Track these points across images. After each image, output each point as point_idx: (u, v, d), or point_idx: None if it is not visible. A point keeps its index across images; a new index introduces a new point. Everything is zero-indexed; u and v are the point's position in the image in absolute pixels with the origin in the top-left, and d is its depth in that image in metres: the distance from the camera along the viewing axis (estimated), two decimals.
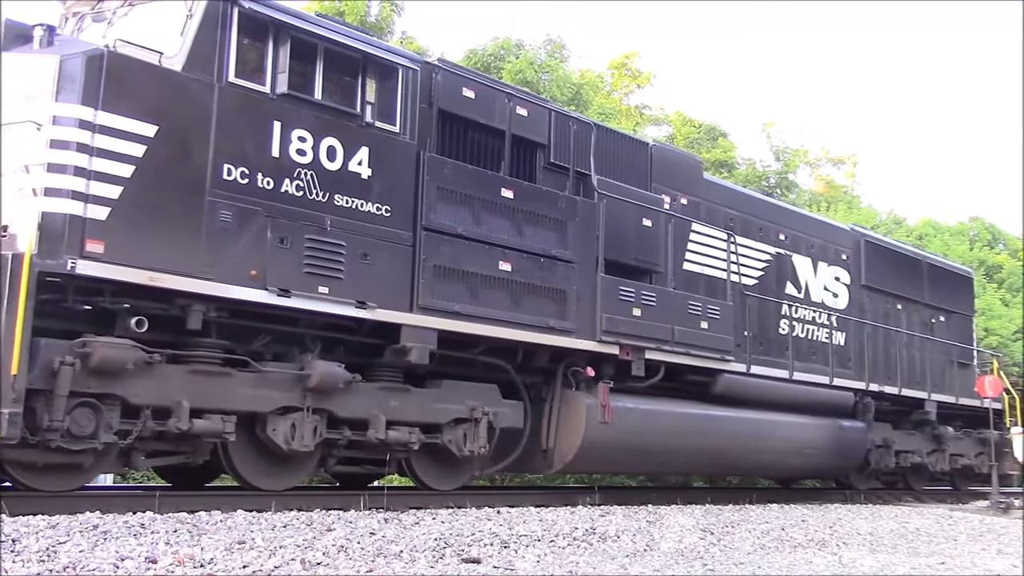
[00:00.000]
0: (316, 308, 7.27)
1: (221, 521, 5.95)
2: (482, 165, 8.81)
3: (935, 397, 14.73)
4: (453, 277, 8.14)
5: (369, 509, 7.32)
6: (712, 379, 10.66)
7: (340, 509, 7.11)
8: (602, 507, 8.81)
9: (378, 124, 7.87)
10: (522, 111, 9.25)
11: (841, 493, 13.27)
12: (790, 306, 12.35)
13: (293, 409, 7.20)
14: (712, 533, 7.82)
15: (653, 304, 9.85)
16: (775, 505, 10.96)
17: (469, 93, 8.79)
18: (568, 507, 8.55)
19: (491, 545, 6.09)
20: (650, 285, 10.07)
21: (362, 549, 5.45)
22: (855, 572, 6.32)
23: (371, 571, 4.99)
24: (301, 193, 7.26)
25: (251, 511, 6.50)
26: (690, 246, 11.08)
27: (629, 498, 10.06)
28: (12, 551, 4.55)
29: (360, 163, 7.67)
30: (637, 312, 9.63)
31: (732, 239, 11.35)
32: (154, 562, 4.60)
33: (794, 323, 12.31)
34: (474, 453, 8.33)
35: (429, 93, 8.47)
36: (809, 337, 12.63)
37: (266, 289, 6.94)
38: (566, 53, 23.45)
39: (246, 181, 6.93)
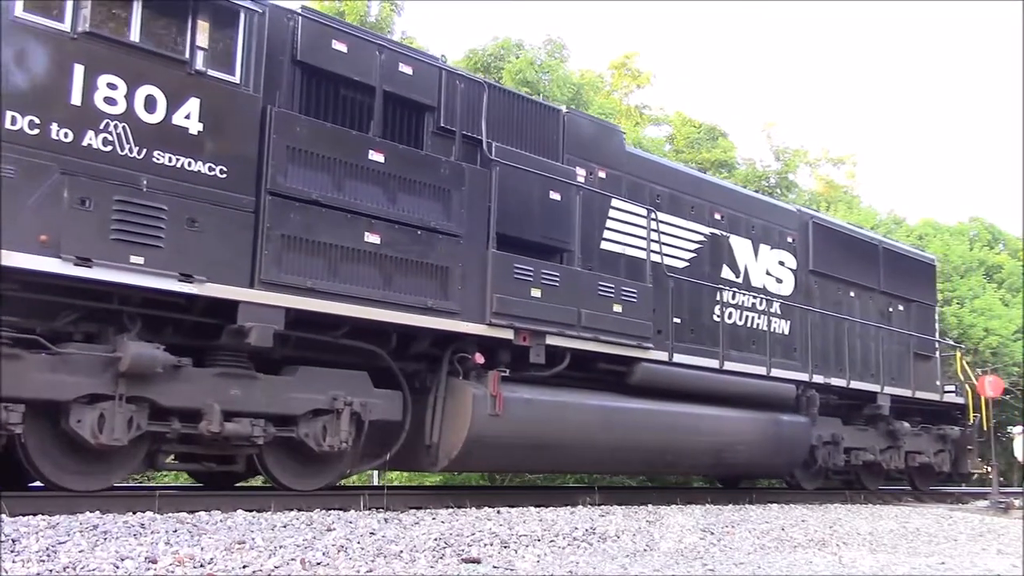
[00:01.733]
0: (127, 281, 6.30)
1: (221, 521, 5.96)
2: (359, 128, 7.93)
3: (889, 390, 13.83)
4: (307, 249, 7.16)
5: (369, 509, 7.32)
6: (629, 368, 9.74)
7: (340, 509, 7.12)
8: (602, 507, 8.81)
9: (212, 73, 6.88)
10: (406, 69, 8.34)
11: (841, 493, 13.25)
12: (726, 291, 11.50)
13: (104, 397, 6.32)
14: (712, 533, 7.82)
15: (556, 284, 8.89)
16: (775, 505, 10.96)
17: (340, 46, 7.93)
18: (568, 507, 8.54)
19: (491, 545, 6.09)
20: (552, 263, 9.07)
21: (362, 549, 5.45)
22: (855, 572, 6.32)
23: (371, 571, 4.99)
24: (110, 148, 6.31)
25: (251, 511, 6.51)
26: (609, 223, 10.19)
27: (629, 498, 10.06)
28: (12, 551, 4.55)
29: (188, 116, 6.69)
30: (536, 293, 8.69)
31: (652, 215, 10.34)
32: (154, 562, 4.60)
33: (730, 310, 11.48)
34: (334, 448, 7.43)
35: (287, 44, 7.65)
36: (749, 325, 11.79)
37: (59, 257, 6.00)
38: (566, 53, 23.48)
39: (36, 132, 6.02)
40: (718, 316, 11.28)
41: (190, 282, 6.54)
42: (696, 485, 14.64)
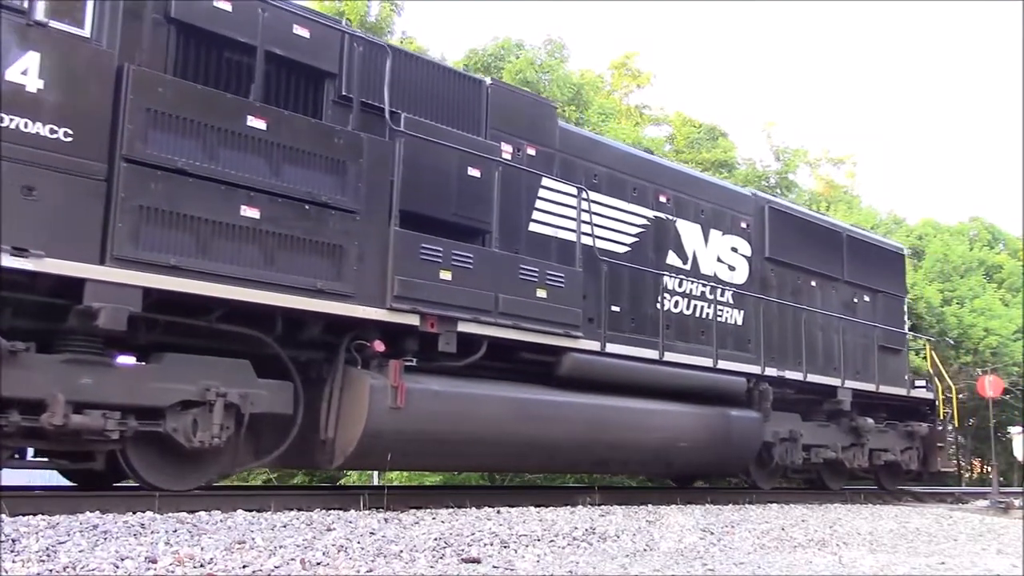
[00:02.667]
0: None
1: (221, 521, 5.96)
2: (244, 93, 7.20)
3: (851, 385, 13.12)
4: (171, 223, 6.43)
5: (369, 509, 7.32)
6: (556, 359, 9.07)
7: (340, 509, 7.12)
8: (602, 507, 8.81)
9: (56, 25, 6.15)
10: (302, 32, 7.68)
11: (840, 493, 13.26)
12: (671, 278, 10.83)
13: None
14: (712, 533, 7.82)
15: (469, 267, 8.19)
16: (775, 505, 10.96)
17: (223, 5, 7.21)
18: (568, 507, 8.54)
19: (491, 545, 6.09)
20: (465, 244, 8.30)
21: (362, 549, 5.45)
22: (855, 572, 6.32)
23: (371, 571, 4.99)
24: None
25: (251, 511, 6.51)
26: (539, 204, 9.54)
27: (629, 498, 10.06)
28: (12, 551, 4.55)
29: (25, 72, 5.95)
30: (446, 276, 8.00)
31: (583, 194, 9.59)
32: (154, 562, 4.60)
33: (676, 298, 10.84)
34: (206, 444, 6.70)
35: None
36: (697, 315, 11.11)
37: None
38: (566, 53, 23.50)
39: None
40: (664, 305, 10.66)
41: (24, 257, 5.78)
42: (696, 485, 14.30)
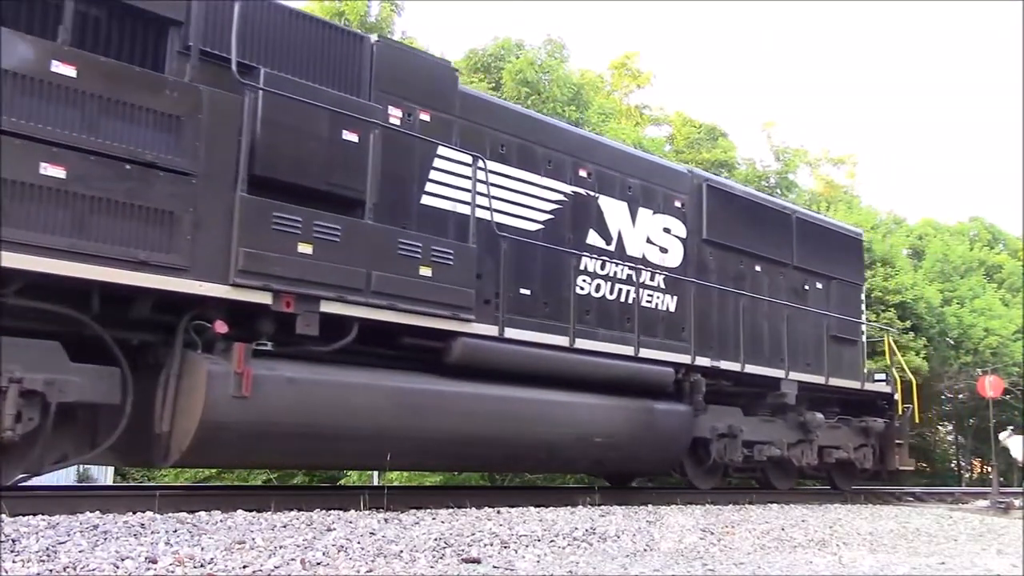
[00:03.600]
0: None
1: (221, 521, 5.96)
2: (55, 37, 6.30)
3: (796, 376, 12.20)
4: None
5: (369, 509, 7.32)
6: (446, 344, 8.23)
7: (340, 509, 7.12)
8: (602, 507, 8.81)
9: None
10: None
11: (840, 493, 13.25)
12: (591, 260, 9.97)
13: None
14: (712, 533, 7.82)
15: (335, 239, 7.32)
16: (775, 505, 10.97)
17: None
18: (568, 507, 8.54)
19: (491, 545, 6.09)
20: (330, 215, 7.40)
21: (362, 549, 5.45)
22: (855, 572, 6.32)
23: (371, 571, 4.99)
24: None
25: (251, 511, 6.51)
26: (434, 175, 8.67)
27: (629, 498, 10.06)
28: (12, 551, 4.55)
29: None
30: (306, 249, 7.14)
31: (479, 163, 8.72)
32: (154, 562, 4.60)
33: (598, 281, 10.01)
34: None
35: None
36: (623, 300, 10.23)
37: None
38: (566, 53, 23.51)
39: None
40: (583, 288, 9.81)
41: None
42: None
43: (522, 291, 9.19)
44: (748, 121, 68.46)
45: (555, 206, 9.79)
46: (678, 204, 11.30)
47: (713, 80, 67.17)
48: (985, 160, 75.44)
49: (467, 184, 8.72)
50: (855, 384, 13.47)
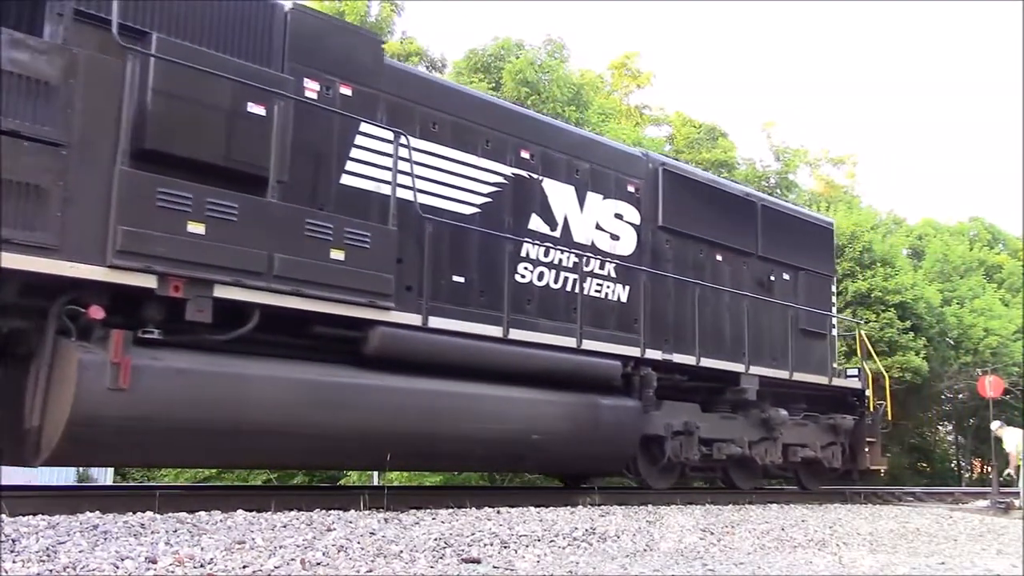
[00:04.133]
0: None
1: (221, 521, 5.96)
2: None
3: (757, 371, 11.57)
4: None
5: (369, 509, 7.32)
6: (363, 334, 7.72)
7: (340, 509, 7.12)
8: (602, 507, 8.81)
9: None
10: None
11: (840, 493, 13.25)
12: (533, 246, 9.42)
13: None
14: (712, 533, 7.82)
15: (231, 218, 6.73)
16: (775, 505, 10.97)
17: None
18: (568, 507, 8.54)
19: (491, 545, 6.09)
20: (226, 192, 6.81)
21: (362, 549, 5.44)
22: (855, 572, 6.32)
23: (371, 571, 4.99)
24: None
25: (251, 511, 6.51)
26: (355, 153, 8.12)
27: (629, 498, 10.06)
28: (12, 551, 4.55)
29: None
30: (197, 228, 6.53)
31: (402, 139, 8.15)
32: (154, 562, 4.59)
33: (542, 269, 9.45)
34: None
35: None
36: (569, 289, 9.66)
37: None
38: (566, 53, 23.53)
39: None
40: (522, 276, 9.27)
41: None
42: (696, 486, 13.78)
43: (456, 278, 8.67)
44: (748, 121, 68.46)
45: (494, 189, 9.22)
46: (631, 189, 10.74)
47: (713, 80, 67.22)
48: (985, 160, 75.48)
49: (390, 163, 8.15)
50: (823, 380, 12.86)
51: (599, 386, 9.65)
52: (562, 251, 9.70)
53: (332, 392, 7.49)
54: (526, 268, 9.36)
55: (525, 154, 9.59)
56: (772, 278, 12.56)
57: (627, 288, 10.36)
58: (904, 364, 23.53)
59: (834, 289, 14.18)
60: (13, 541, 4.71)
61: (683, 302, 11.00)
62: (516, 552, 5.98)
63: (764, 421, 11.82)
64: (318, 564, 4.95)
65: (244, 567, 4.71)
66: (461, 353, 8.42)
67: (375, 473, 15.08)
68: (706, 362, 11.01)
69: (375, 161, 8.24)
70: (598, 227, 10.25)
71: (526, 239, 9.38)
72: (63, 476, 16.37)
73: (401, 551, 5.51)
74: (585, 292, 9.82)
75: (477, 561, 5.55)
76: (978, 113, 78.97)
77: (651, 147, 18.22)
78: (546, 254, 9.56)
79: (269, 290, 6.97)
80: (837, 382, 13.18)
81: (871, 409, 13.55)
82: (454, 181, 8.87)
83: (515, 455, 9.20)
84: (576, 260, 9.81)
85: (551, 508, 8.30)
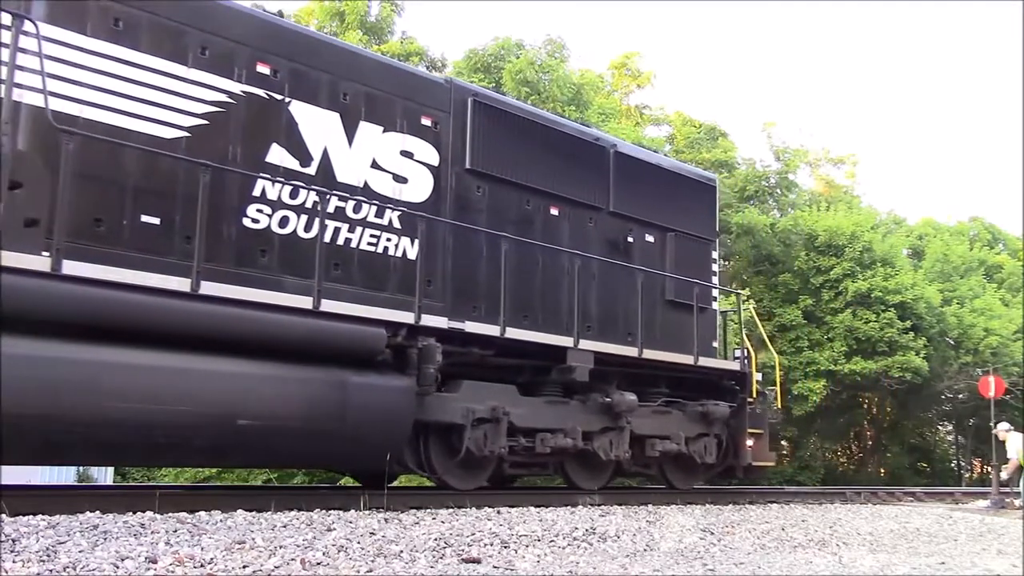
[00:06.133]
0: None
1: (221, 521, 5.96)
2: None
3: (590, 346, 9.58)
4: None
5: (369, 509, 7.32)
6: None
7: (340, 509, 7.12)
8: (602, 507, 8.81)
9: None
10: None
11: (841, 493, 13.25)
12: (275, 185, 7.72)
13: None
14: (712, 533, 7.82)
15: None
16: (775, 505, 10.97)
17: None
18: (568, 507, 8.55)
19: (491, 545, 6.09)
20: None
21: (362, 549, 5.45)
22: (855, 572, 6.32)
23: (371, 571, 4.99)
24: None
25: (251, 511, 6.51)
26: None
27: (629, 498, 10.06)
28: (12, 551, 4.55)
29: None
30: None
31: (24, 26, 6.35)
32: (154, 562, 4.60)
33: (285, 213, 7.76)
34: None
35: None
36: (326, 240, 7.87)
37: None
38: (566, 53, 23.54)
39: None
40: (254, 221, 7.60)
41: None
42: (696, 486, 13.06)
43: (144, 218, 7.00)
44: (748, 121, 68.50)
45: (212, 109, 7.52)
46: (427, 123, 9.00)
47: (713, 80, 67.23)
48: (985, 160, 75.51)
49: (32, 63, 6.39)
50: (687, 359, 10.74)
51: (355, 359, 7.75)
52: (319, 193, 7.89)
53: None
54: (260, 210, 7.67)
55: (263, 68, 7.87)
56: (630, 239, 10.80)
57: (415, 241, 8.56)
58: (904, 364, 23.55)
59: (716, 256, 12.17)
60: (13, 541, 4.72)
61: (495, 261, 9.13)
62: (516, 552, 5.99)
63: (607, 407, 9.91)
64: (318, 564, 4.95)
65: (244, 567, 4.71)
66: (122, 311, 6.40)
67: None
68: (514, 333, 9.04)
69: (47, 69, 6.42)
70: (376, 166, 8.57)
71: (265, 176, 7.71)
72: (63, 476, 16.38)
73: (401, 551, 5.51)
74: (352, 244, 8.20)
75: (477, 561, 5.55)
76: (978, 113, 79.03)
77: (651, 146, 16.74)
78: (293, 195, 7.84)
79: None
80: (708, 362, 11.05)
81: (754, 396, 11.51)
82: (145, 95, 7.12)
83: (209, 447, 7.03)
84: (340, 204, 8.12)
85: (551, 508, 8.30)
